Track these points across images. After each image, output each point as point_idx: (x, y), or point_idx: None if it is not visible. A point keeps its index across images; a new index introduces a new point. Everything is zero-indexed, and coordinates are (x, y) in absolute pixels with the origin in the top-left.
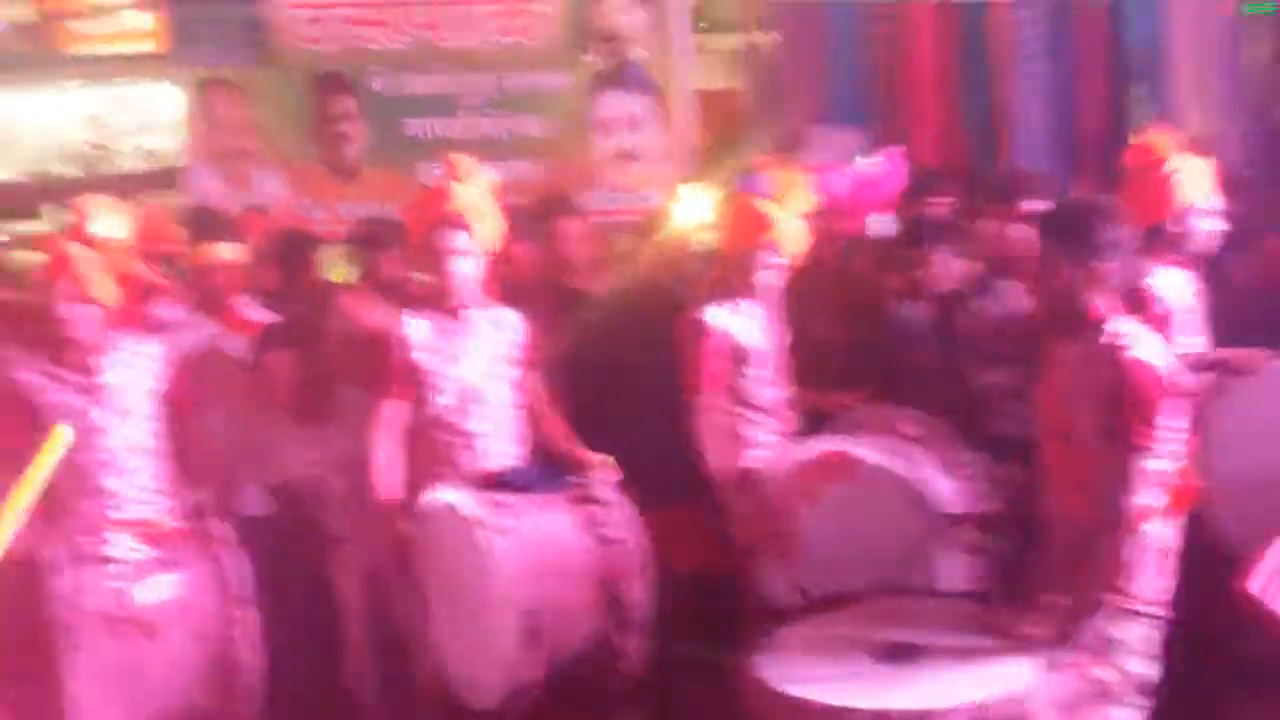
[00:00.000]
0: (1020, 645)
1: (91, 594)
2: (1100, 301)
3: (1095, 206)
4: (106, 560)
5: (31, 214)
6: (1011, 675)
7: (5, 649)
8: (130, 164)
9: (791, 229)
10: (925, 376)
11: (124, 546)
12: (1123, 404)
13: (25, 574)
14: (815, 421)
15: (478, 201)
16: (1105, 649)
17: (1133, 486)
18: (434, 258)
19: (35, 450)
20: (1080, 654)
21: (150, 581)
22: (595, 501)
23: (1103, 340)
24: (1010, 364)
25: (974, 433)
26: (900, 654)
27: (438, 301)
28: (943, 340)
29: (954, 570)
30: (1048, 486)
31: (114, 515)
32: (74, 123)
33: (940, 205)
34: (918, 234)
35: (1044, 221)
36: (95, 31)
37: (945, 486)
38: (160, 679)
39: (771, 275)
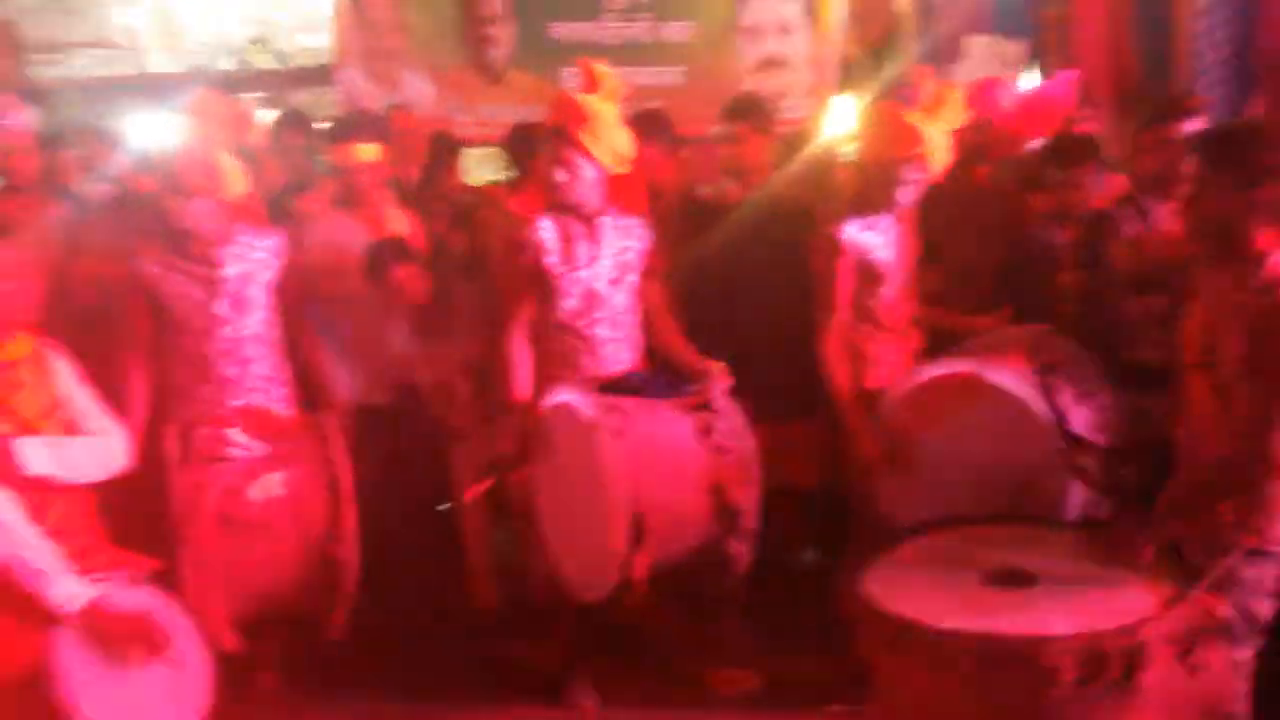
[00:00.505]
0: (1137, 574)
1: (207, 491)
2: (1259, 231)
3: (1257, 129)
4: (222, 458)
5: None
6: (1127, 606)
7: (123, 540)
8: (288, 61)
9: (938, 144)
10: (1068, 300)
11: (239, 444)
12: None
13: (144, 466)
14: (947, 342)
15: (604, 111)
16: (1229, 586)
17: None
18: (561, 164)
19: (160, 340)
20: (1201, 588)
21: (263, 480)
22: (708, 409)
23: (1262, 272)
24: (1158, 291)
25: (1115, 360)
26: (1013, 579)
27: (567, 207)
28: (1087, 264)
29: (1077, 499)
30: (1186, 419)
31: (231, 403)
32: (236, 19)
33: (1090, 122)
34: (1065, 152)
35: (1201, 143)
36: None
37: (1077, 414)
38: (268, 573)
39: (912, 191)
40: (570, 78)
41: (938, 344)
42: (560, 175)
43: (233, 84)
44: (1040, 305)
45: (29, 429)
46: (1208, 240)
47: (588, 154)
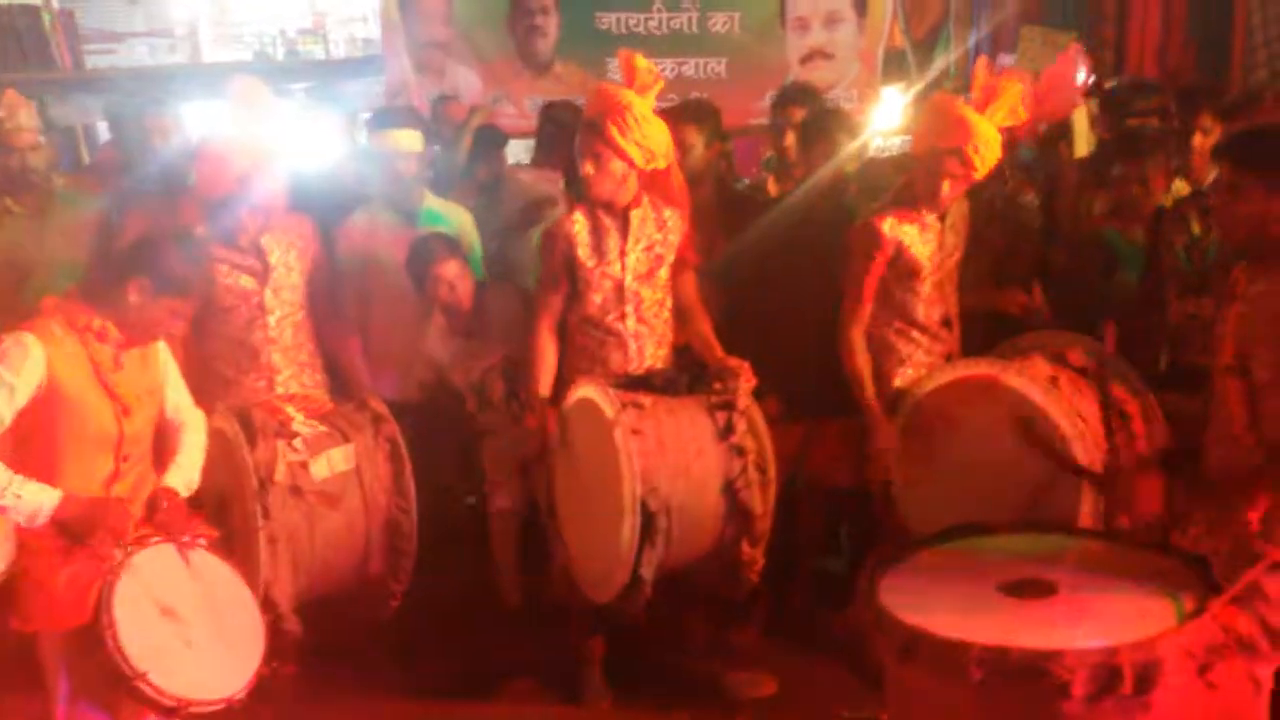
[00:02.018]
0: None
1: (276, 467)
2: None
3: None
4: (286, 434)
5: None
6: (1146, 619)
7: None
8: (340, 51)
9: (990, 139)
10: (1124, 299)
11: (298, 421)
12: None
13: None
14: (984, 342)
15: (637, 105)
16: (1252, 600)
17: None
18: (589, 158)
19: (204, 326)
20: (1223, 602)
21: (328, 453)
22: (730, 408)
23: None
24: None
25: (1161, 362)
26: (1029, 589)
27: (600, 200)
28: (1145, 264)
29: (1089, 507)
30: (1216, 424)
31: (277, 389)
32: (293, 10)
33: (1151, 119)
34: (1125, 149)
35: (1236, 142)
36: None
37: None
38: (336, 544)
39: (959, 186)
40: (615, 69)
41: (971, 345)
42: (588, 169)
43: (284, 74)
44: (1094, 303)
45: (125, 409)
46: (1241, 243)
47: (618, 149)
